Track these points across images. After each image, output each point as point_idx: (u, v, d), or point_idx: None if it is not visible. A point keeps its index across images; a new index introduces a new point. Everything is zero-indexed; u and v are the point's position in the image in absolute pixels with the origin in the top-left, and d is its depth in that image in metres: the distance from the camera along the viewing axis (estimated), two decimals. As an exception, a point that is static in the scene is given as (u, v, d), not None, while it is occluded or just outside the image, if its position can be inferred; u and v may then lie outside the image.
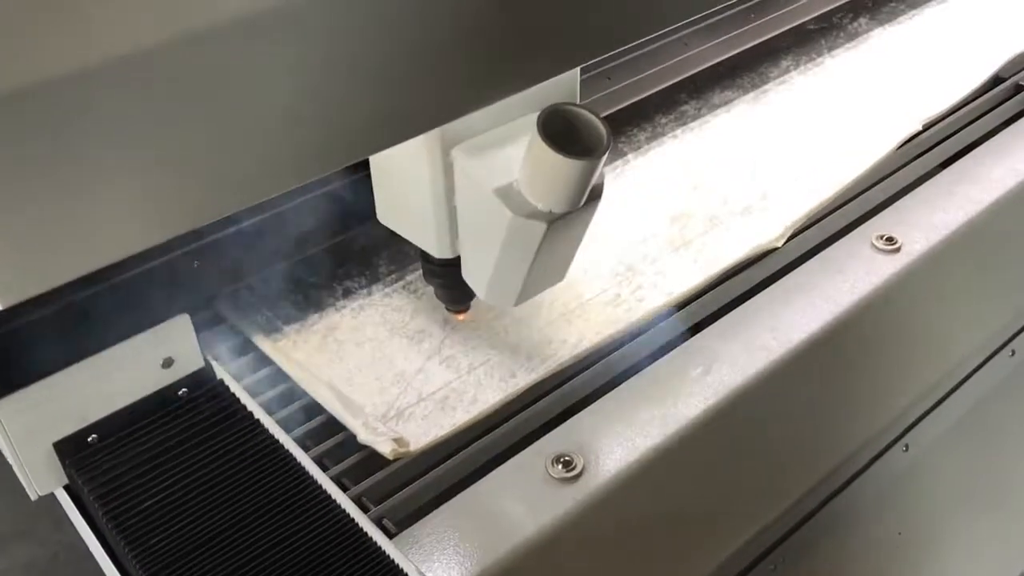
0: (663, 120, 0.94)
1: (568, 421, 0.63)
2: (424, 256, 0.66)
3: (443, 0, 0.41)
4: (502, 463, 0.61)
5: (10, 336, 0.57)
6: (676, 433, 0.62)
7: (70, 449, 0.60)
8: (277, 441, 0.61)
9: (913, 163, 0.87)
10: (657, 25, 0.53)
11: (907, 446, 0.76)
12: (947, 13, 1.11)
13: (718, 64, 0.99)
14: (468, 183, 0.58)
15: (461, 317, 0.71)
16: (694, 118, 0.94)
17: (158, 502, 0.57)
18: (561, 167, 0.53)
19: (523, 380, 0.66)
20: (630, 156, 0.89)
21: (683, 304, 0.72)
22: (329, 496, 0.57)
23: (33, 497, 0.62)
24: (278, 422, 0.63)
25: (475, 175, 0.57)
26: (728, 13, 1.03)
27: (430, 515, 0.57)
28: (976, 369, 0.82)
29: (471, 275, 0.64)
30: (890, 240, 0.76)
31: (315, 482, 0.58)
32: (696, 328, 0.70)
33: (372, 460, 0.62)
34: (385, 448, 0.60)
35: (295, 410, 0.66)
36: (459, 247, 0.63)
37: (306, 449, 0.61)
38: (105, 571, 0.58)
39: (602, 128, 0.54)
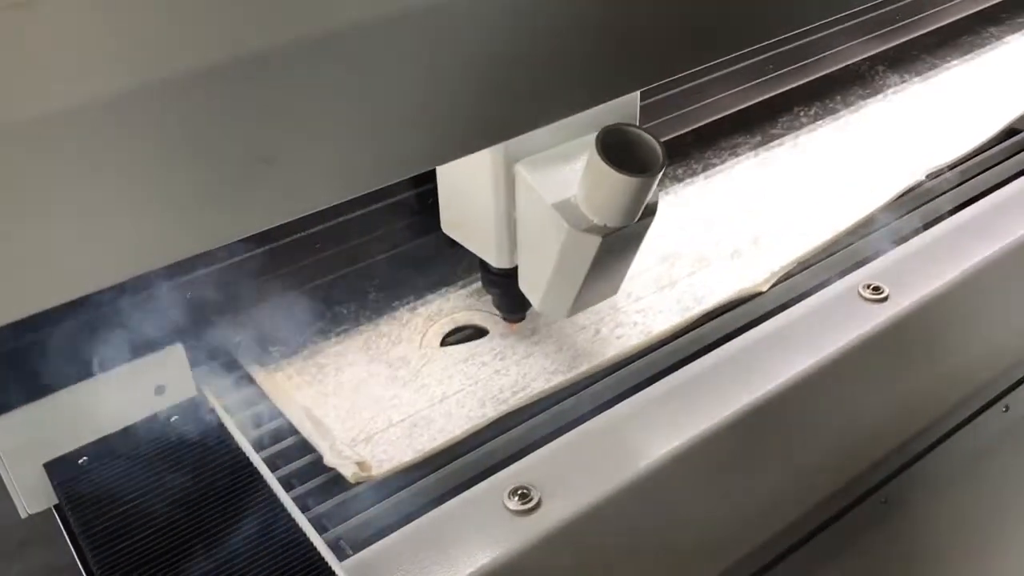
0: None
1: (529, 455, 0.63)
2: (483, 266, 0.70)
3: (521, 27, 0.44)
4: (463, 492, 0.62)
5: (6, 357, 0.59)
6: (636, 472, 0.62)
7: (60, 470, 0.62)
8: (255, 468, 0.63)
9: (910, 214, 0.87)
10: (709, 56, 0.56)
11: (886, 499, 0.75)
12: (967, 68, 1.11)
13: (729, 114, 1.00)
14: (529, 196, 0.62)
15: (515, 327, 0.74)
16: (698, 161, 0.95)
17: (140, 527, 0.59)
18: (617, 183, 0.56)
19: (492, 412, 0.67)
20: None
21: (661, 343, 0.73)
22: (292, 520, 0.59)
23: (23, 515, 0.64)
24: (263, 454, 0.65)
25: (536, 189, 0.61)
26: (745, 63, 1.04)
27: (383, 540, 0.58)
28: (965, 423, 0.81)
29: (527, 285, 0.68)
30: (876, 290, 0.76)
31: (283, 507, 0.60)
32: (671, 368, 0.71)
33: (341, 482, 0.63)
34: (347, 471, 0.62)
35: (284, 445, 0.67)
36: (517, 258, 0.67)
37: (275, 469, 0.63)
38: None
39: (658, 148, 0.57)
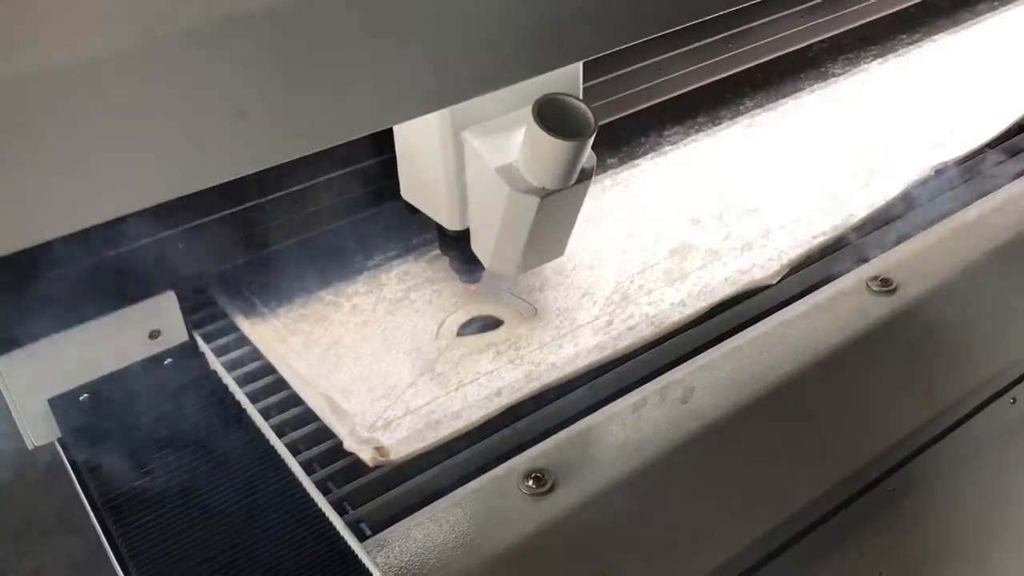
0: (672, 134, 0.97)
1: (544, 441, 0.65)
2: (439, 229, 0.75)
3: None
4: (478, 476, 0.63)
5: (13, 299, 0.64)
6: (649, 456, 0.64)
7: (63, 405, 0.68)
8: (249, 416, 0.68)
9: (919, 208, 0.88)
10: (652, 28, 0.57)
11: (894, 487, 0.76)
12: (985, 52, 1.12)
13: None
14: (475, 162, 0.67)
15: (473, 288, 0.79)
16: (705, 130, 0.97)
17: (136, 458, 0.64)
18: (552, 147, 0.61)
19: (507, 399, 0.69)
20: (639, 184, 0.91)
21: (672, 335, 0.75)
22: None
23: (30, 446, 0.69)
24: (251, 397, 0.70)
25: (481, 154, 0.66)
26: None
27: (400, 522, 0.60)
28: (973, 413, 0.82)
29: (479, 246, 0.73)
30: (885, 282, 0.78)
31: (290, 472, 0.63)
32: (682, 359, 0.72)
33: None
34: (366, 456, 0.63)
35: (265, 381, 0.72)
36: (468, 221, 0.72)
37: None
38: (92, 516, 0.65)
39: (589, 114, 0.62)
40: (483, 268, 0.75)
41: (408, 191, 0.76)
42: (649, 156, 0.97)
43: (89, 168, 0.40)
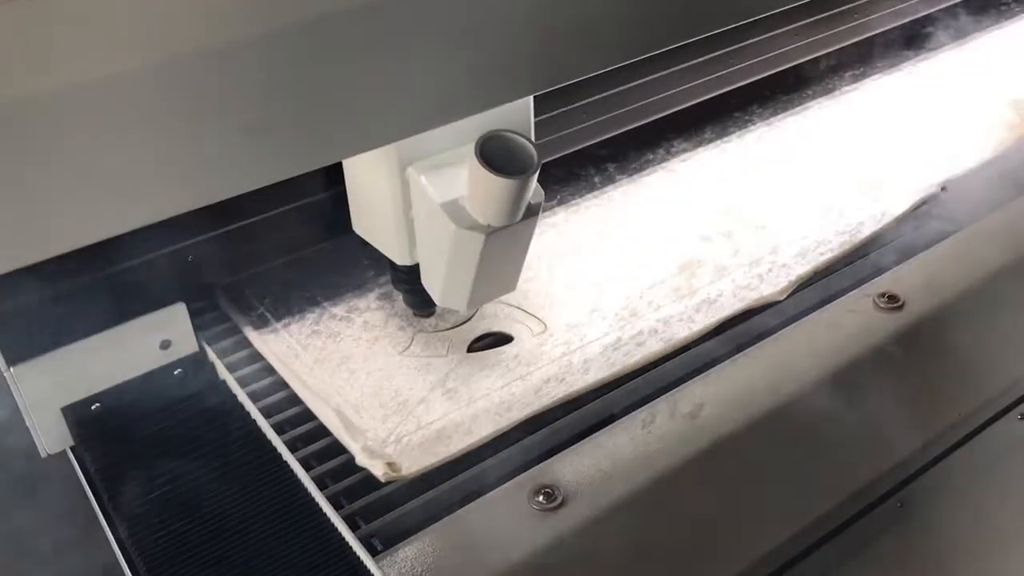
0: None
1: (554, 456, 0.66)
2: (391, 264, 0.75)
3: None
4: (489, 492, 0.64)
5: (28, 311, 0.66)
6: (658, 472, 0.65)
7: (76, 414, 0.69)
8: (263, 433, 0.70)
9: (927, 225, 0.88)
10: (601, 63, 0.58)
11: (901, 503, 0.77)
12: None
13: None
14: (422, 197, 0.66)
15: (427, 321, 0.79)
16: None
17: (146, 466, 0.66)
18: (495, 185, 0.61)
19: (517, 415, 0.70)
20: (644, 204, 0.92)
21: (680, 351, 0.75)
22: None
23: (43, 455, 0.71)
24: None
25: (427, 191, 0.65)
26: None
27: (412, 537, 0.61)
28: (980, 429, 0.82)
29: (428, 281, 0.72)
30: (892, 299, 0.78)
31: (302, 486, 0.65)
32: (691, 375, 0.73)
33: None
34: (378, 471, 0.64)
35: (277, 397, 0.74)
36: (417, 256, 0.72)
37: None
38: (104, 526, 0.67)
39: (533, 151, 0.62)
40: (435, 304, 0.75)
41: (358, 225, 0.75)
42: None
43: (100, 184, 0.42)
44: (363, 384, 0.73)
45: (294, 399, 0.73)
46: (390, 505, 0.64)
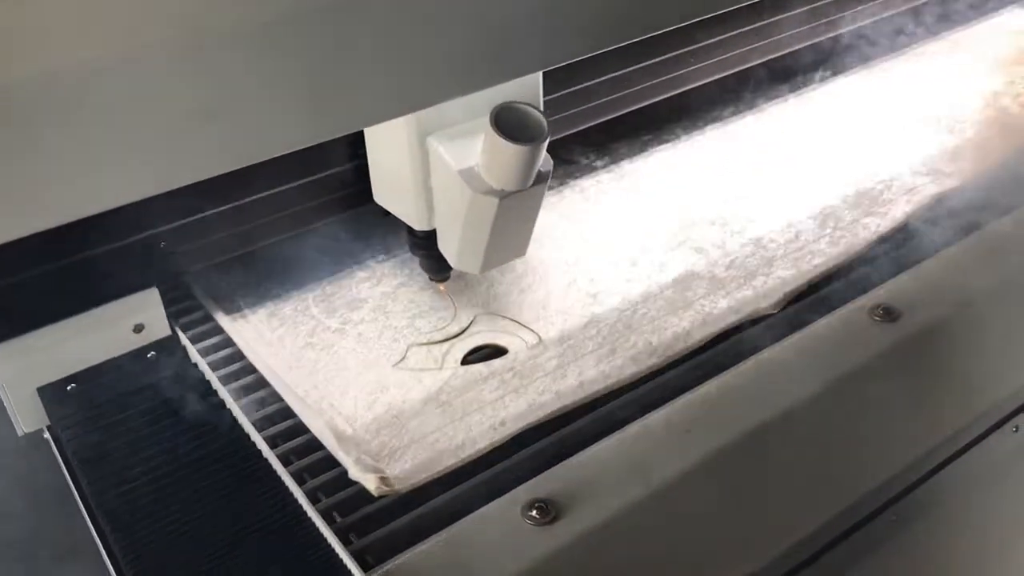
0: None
1: (547, 470, 0.66)
2: (409, 231, 0.80)
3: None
4: (482, 506, 0.64)
5: (4, 294, 0.68)
6: (650, 487, 0.64)
7: (51, 394, 0.73)
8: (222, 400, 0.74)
9: (922, 236, 0.88)
10: (608, 41, 0.61)
11: (896, 516, 0.77)
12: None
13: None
14: (440, 165, 0.71)
15: (442, 287, 0.84)
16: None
17: (120, 445, 0.68)
18: (508, 152, 0.66)
19: (511, 428, 0.69)
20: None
21: (674, 363, 0.75)
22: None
23: (20, 433, 0.75)
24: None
25: (445, 158, 0.70)
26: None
27: (404, 553, 0.60)
28: (975, 443, 0.82)
29: (445, 246, 0.78)
30: (887, 311, 0.78)
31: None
32: (684, 388, 0.73)
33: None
34: (371, 485, 0.64)
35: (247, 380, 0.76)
36: (435, 221, 0.76)
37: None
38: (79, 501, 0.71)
39: (543, 121, 0.67)
40: (450, 268, 0.80)
41: (379, 195, 0.81)
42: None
43: (75, 165, 0.43)
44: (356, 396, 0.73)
45: (263, 381, 0.75)
46: (383, 520, 0.64)
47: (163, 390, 0.73)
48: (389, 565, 0.60)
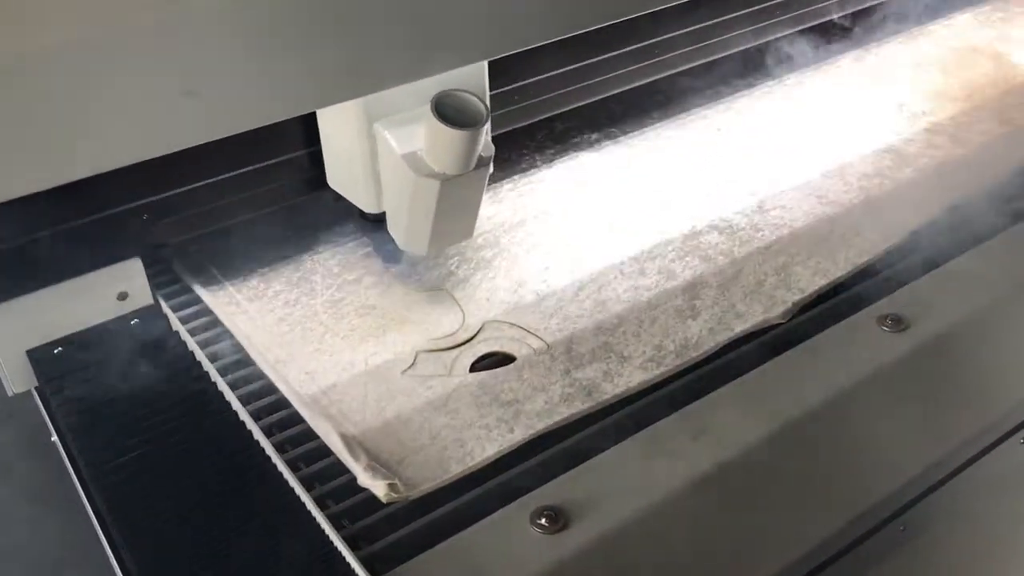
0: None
1: (556, 478, 0.66)
2: (361, 214, 0.84)
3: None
4: (491, 513, 0.64)
5: None
6: (661, 495, 0.64)
7: (40, 357, 0.77)
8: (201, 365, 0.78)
9: (932, 245, 0.88)
10: (553, 31, 0.67)
11: (904, 526, 0.77)
12: None
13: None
14: (386, 149, 0.75)
15: (393, 270, 0.87)
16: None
17: (105, 405, 0.72)
18: (447, 136, 0.70)
19: (520, 435, 0.69)
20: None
21: (682, 372, 0.75)
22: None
23: (10, 393, 0.79)
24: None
25: (390, 143, 0.74)
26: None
27: (412, 560, 0.61)
28: (982, 454, 0.82)
29: (394, 229, 0.82)
30: (896, 321, 0.78)
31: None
32: (692, 398, 0.73)
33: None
34: (380, 492, 0.64)
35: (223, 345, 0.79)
36: (384, 204, 0.80)
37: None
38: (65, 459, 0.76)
39: (482, 107, 0.71)
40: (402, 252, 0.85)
41: (332, 179, 0.84)
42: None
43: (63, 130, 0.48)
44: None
45: (239, 347, 0.78)
46: (392, 526, 0.64)
47: (145, 354, 0.78)
48: (398, 571, 0.60)
